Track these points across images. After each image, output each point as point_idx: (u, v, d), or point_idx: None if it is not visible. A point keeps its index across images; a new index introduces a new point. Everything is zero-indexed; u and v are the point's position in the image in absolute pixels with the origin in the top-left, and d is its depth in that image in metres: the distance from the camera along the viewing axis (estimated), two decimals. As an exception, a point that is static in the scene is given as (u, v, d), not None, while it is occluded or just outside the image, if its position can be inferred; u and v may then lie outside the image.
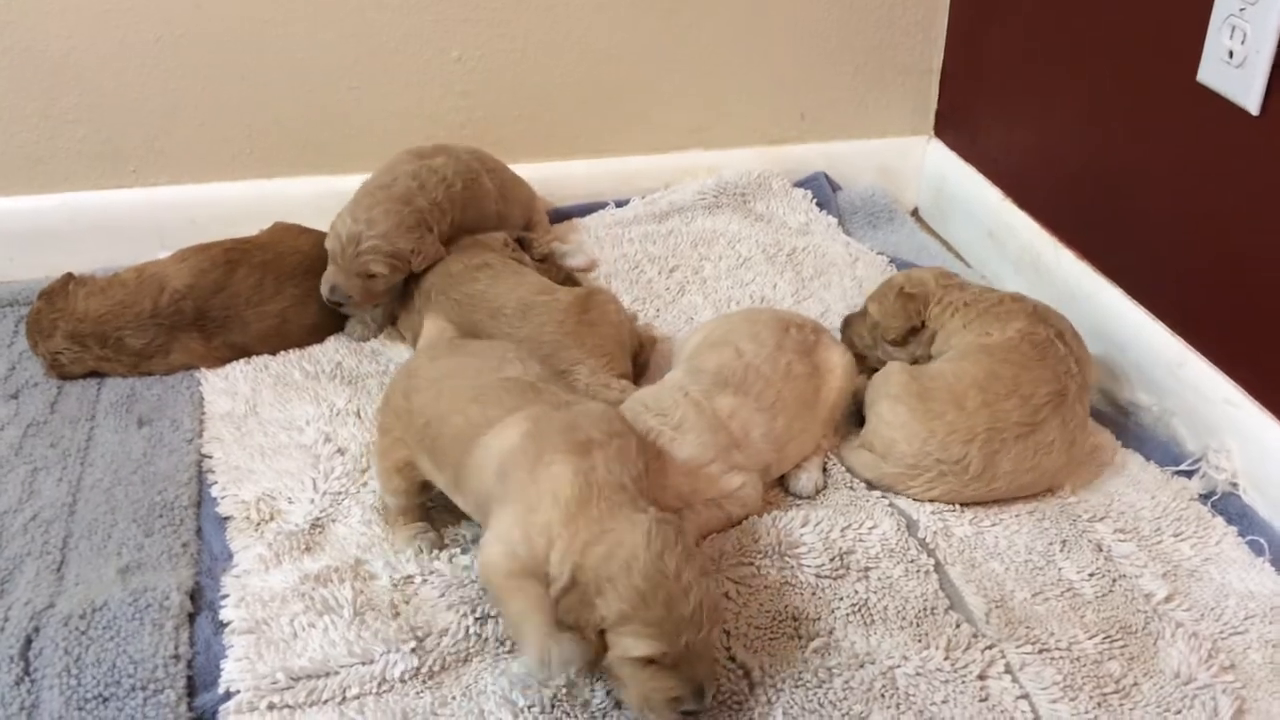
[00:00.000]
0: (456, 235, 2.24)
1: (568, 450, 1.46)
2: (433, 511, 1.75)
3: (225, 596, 1.61)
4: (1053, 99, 2.39)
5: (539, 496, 1.43)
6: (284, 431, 1.94)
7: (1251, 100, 1.80)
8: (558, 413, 1.54)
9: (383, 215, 2.09)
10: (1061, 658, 1.56)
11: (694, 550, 1.38)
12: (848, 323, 2.16)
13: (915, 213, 2.94)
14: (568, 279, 2.32)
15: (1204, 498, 1.87)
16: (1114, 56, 2.16)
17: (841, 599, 1.63)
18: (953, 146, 2.81)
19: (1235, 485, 1.88)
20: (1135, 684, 1.52)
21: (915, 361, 2.02)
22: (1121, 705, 1.49)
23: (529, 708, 1.44)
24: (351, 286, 2.10)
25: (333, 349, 2.19)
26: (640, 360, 2.14)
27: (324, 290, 2.10)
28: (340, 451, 1.89)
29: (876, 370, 1.99)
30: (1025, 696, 1.50)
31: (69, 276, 2.13)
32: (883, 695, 1.49)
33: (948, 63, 2.80)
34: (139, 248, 2.34)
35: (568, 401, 1.60)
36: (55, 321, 2.08)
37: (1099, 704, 1.49)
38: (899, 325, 2.03)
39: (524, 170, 2.59)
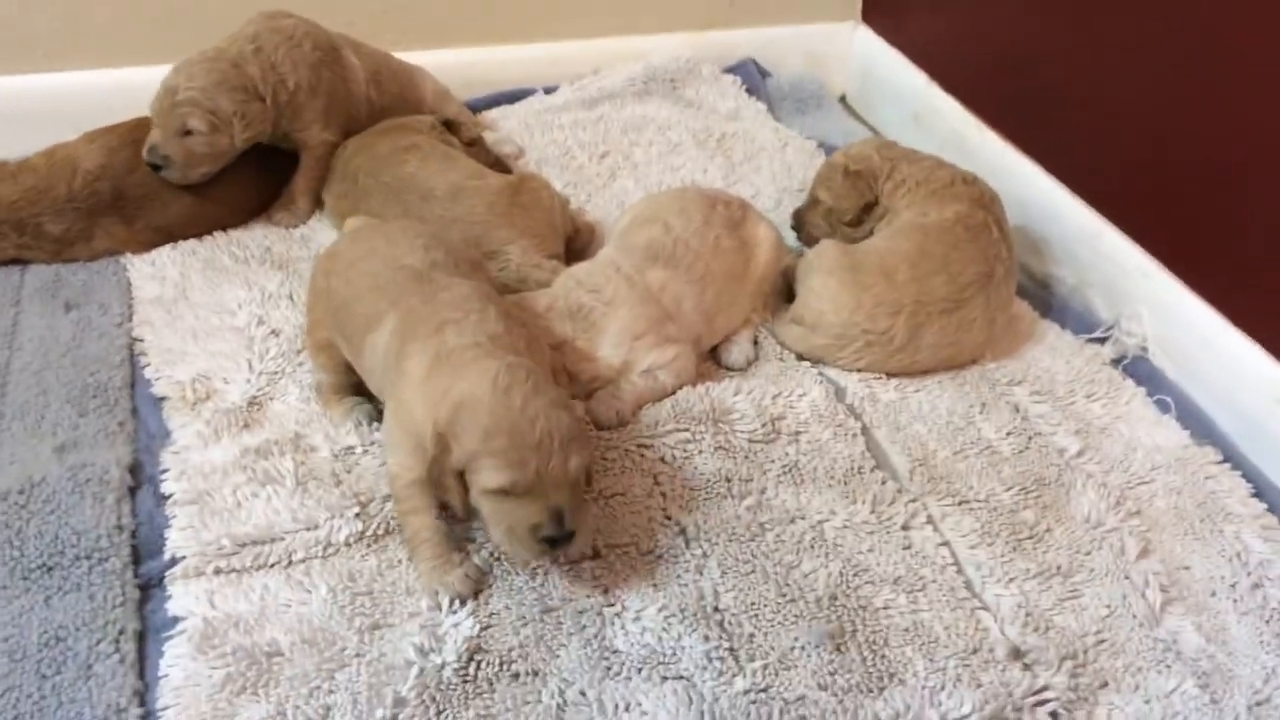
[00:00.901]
0: (327, 120, 2.17)
1: (423, 336, 1.49)
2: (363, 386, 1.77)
3: (165, 471, 1.62)
4: (977, -19, 2.42)
5: (405, 387, 1.47)
6: (215, 315, 1.93)
7: (1168, -28, 1.85)
8: (423, 305, 1.55)
9: (204, 72, 2.04)
10: (980, 509, 1.64)
11: (545, 385, 1.41)
12: (800, 217, 2.17)
13: (843, 99, 2.96)
14: (496, 164, 2.31)
15: (1115, 362, 1.96)
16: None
17: (773, 461, 1.69)
18: (879, 32, 2.83)
19: (1145, 350, 1.97)
20: (1048, 530, 1.61)
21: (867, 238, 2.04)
22: (1035, 549, 1.58)
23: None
24: (170, 145, 2.03)
25: (261, 234, 2.17)
26: (577, 246, 2.15)
27: (144, 151, 2.04)
28: (275, 333, 1.88)
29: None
30: (945, 544, 1.58)
31: None
32: (812, 546, 1.56)
33: (874, -54, 2.81)
34: (54, 135, 2.26)
35: (445, 287, 1.59)
36: None
37: (1014, 548, 1.58)
38: (852, 205, 2.05)
39: (450, 56, 2.56)
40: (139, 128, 2.09)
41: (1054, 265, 2.18)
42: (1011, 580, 1.53)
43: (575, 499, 1.39)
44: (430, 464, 1.40)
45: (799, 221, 2.18)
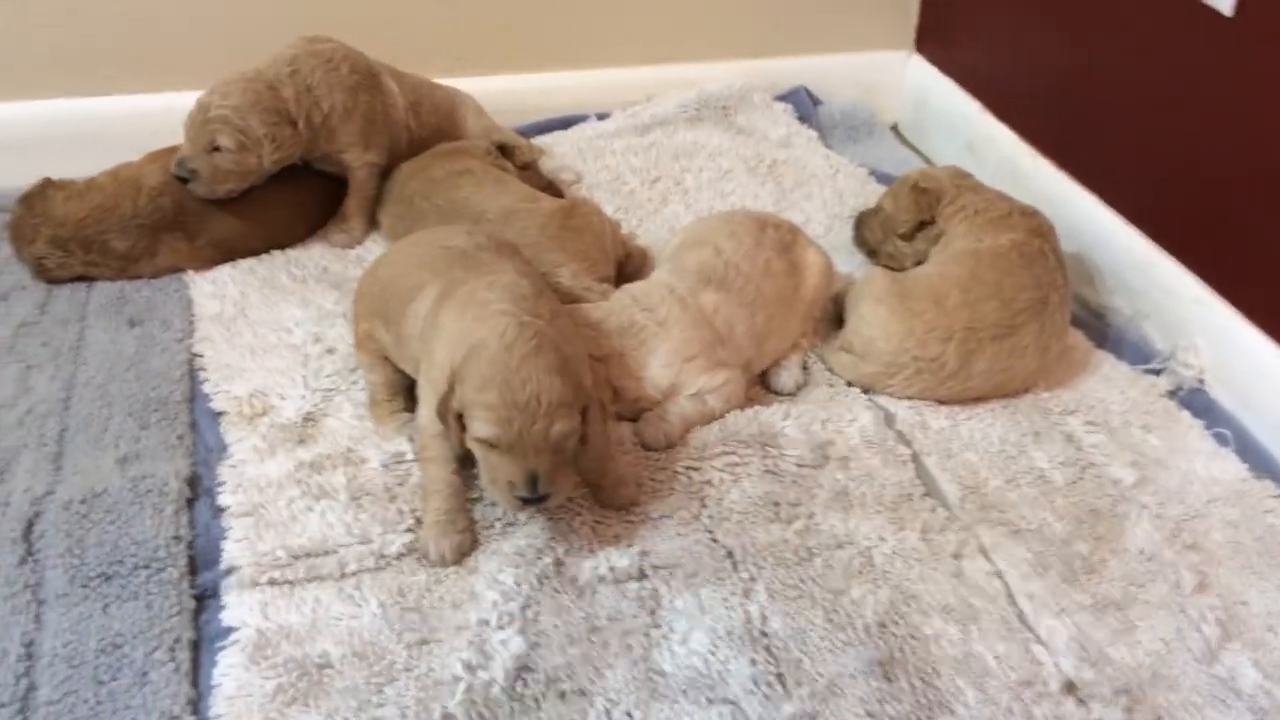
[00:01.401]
0: (366, 142, 2.20)
1: (461, 296, 1.55)
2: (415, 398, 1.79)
3: (222, 484, 1.64)
4: (1032, 10, 2.41)
5: (437, 341, 1.53)
6: (273, 332, 1.97)
7: (1224, 1, 1.83)
8: (465, 273, 1.61)
9: (238, 91, 2.07)
10: (1032, 539, 1.62)
11: (548, 349, 1.44)
12: (860, 219, 2.23)
13: (895, 127, 2.96)
14: (549, 188, 2.34)
15: (1172, 393, 1.94)
16: (1093, -36, 2.19)
17: (821, 486, 1.69)
18: (933, 60, 2.83)
19: (1202, 381, 1.94)
20: (1103, 561, 1.59)
21: (919, 260, 2.07)
22: (1089, 581, 1.56)
23: (518, 585, 1.49)
24: (198, 160, 2.06)
25: (318, 254, 2.21)
26: (628, 270, 2.16)
27: (173, 164, 2.07)
28: (330, 351, 1.91)
29: (889, 266, 2.07)
30: (997, 574, 1.57)
31: (47, 181, 2.13)
32: (861, 573, 1.55)
33: (929, -24, 2.81)
34: (117, 156, 2.32)
35: (489, 265, 1.66)
36: (37, 227, 2.08)
37: (1067, 580, 1.56)
38: (909, 219, 2.09)
39: (504, 82, 2.59)
40: None
41: (1109, 295, 2.16)
42: (1065, 612, 1.51)
43: (555, 463, 1.45)
44: (439, 400, 1.47)
45: (859, 222, 2.23)
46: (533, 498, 1.45)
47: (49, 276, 2.10)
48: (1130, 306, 2.11)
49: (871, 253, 2.22)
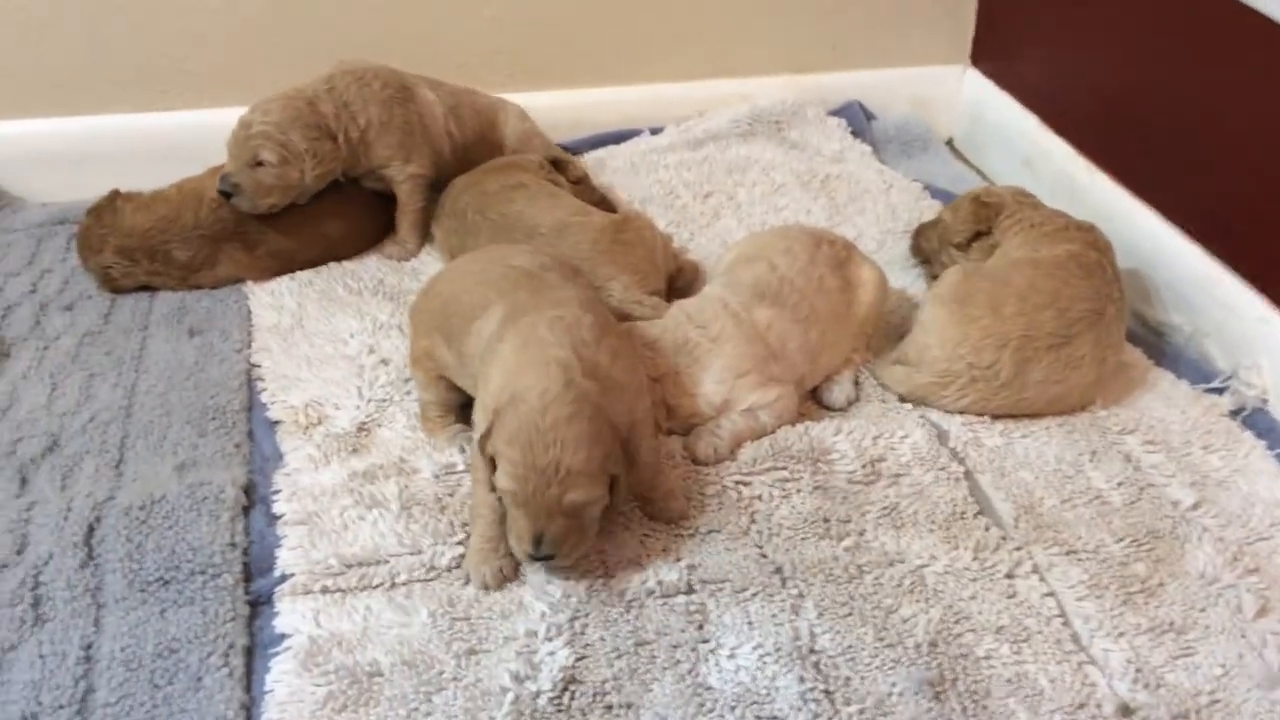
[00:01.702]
0: (407, 154, 2.23)
1: (524, 325, 1.55)
2: (467, 412, 1.80)
3: (277, 492, 1.67)
4: (1090, 23, 2.39)
5: (494, 365, 1.54)
6: (329, 343, 1.99)
7: (1291, 14, 1.80)
8: (530, 297, 1.62)
9: (279, 108, 2.11)
10: (1088, 559, 1.59)
11: (588, 417, 1.43)
12: (919, 229, 2.24)
13: (950, 142, 2.94)
14: (602, 203, 2.35)
15: (1234, 414, 1.90)
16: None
17: (872, 503, 1.67)
18: (990, 75, 2.81)
19: (1265, 401, 1.90)
20: (1161, 584, 1.56)
21: None
22: (1147, 603, 1.53)
23: (566, 597, 1.49)
24: (241, 175, 2.09)
25: (375, 266, 2.24)
26: (679, 284, 2.16)
27: (217, 179, 2.11)
28: (384, 362, 1.94)
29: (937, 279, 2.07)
30: (1052, 594, 1.54)
31: (115, 193, 2.19)
32: (912, 591, 1.53)
33: (985, -10, 2.79)
34: (182, 169, 2.38)
35: (554, 287, 1.66)
36: (104, 237, 2.14)
37: (1124, 601, 1.53)
38: (965, 228, 2.09)
39: (558, 98, 2.61)
40: None
41: (1168, 312, 2.12)
42: (1121, 635, 1.48)
43: (568, 527, 1.44)
44: (480, 437, 1.48)
45: (917, 232, 2.25)
46: (536, 555, 1.45)
47: (113, 286, 2.15)
48: (1190, 324, 2.07)
49: (925, 262, 2.22)
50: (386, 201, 2.31)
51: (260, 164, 2.09)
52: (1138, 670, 1.43)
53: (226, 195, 2.11)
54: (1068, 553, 1.60)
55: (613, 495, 1.49)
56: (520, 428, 1.42)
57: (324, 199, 2.19)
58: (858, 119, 2.83)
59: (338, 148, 2.15)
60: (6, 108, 2.48)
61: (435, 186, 2.31)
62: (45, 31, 2.42)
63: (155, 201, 2.17)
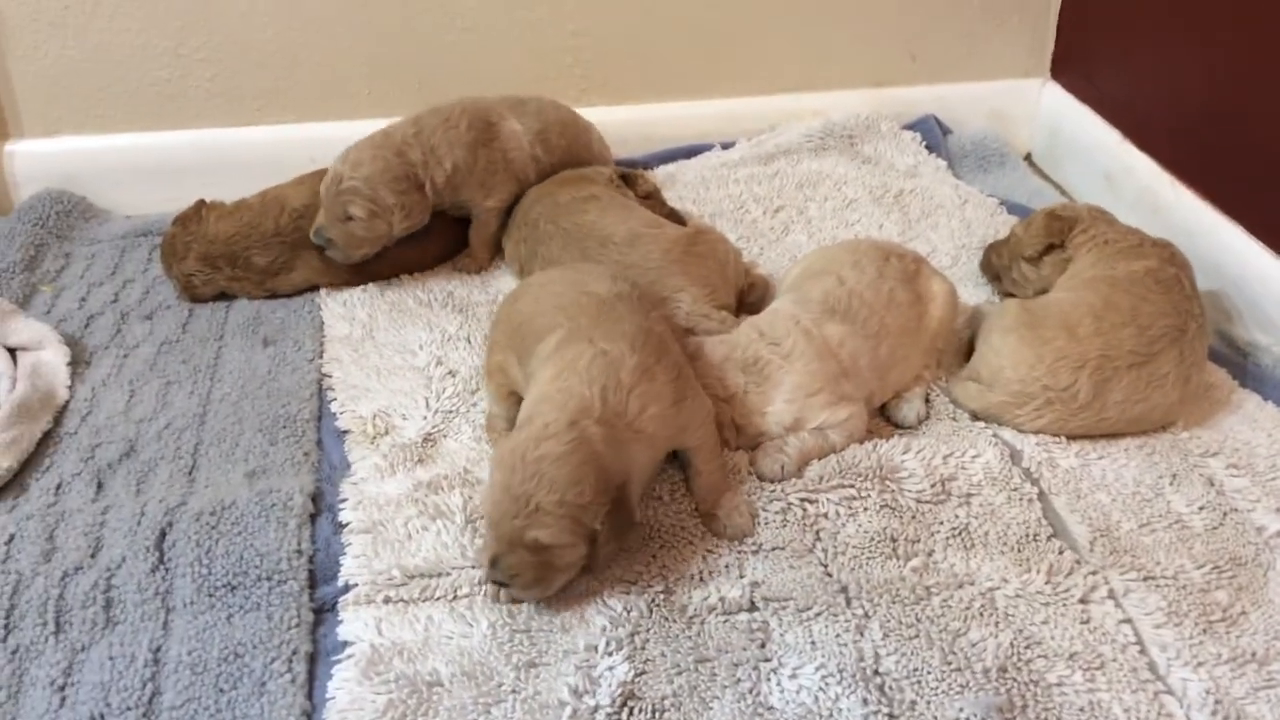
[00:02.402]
0: (488, 191, 2.25)
1: (570, 353, 1.56)
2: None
3: (344, 501, 1.68)
4: (1175, 36, 2.32)
5: (532, 392, 1.56)
6: (398, 354, 2.01)
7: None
8: (590, 325, 1.61)
9: (369, 160, 2.13)
10: (1167, 585, 1.54)
11: (579, 462, 1.42)
12: (990, 247, 2.21)
13: (1028, 157, 2.89)
14: (672, 217, 2.34)
15: (1324, 437, 1.82)
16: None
17: (941, 523, 1.64)
18: (1070, 88, 2.75)
19: (1358, 425, 1.82)
20: (1243, 612, 1.50)
21: (1043, 288, 2.03)
22: (1228, 632, 1.47)
23: (627, 611, 1.48)
24: (333, 229, 2.13)
25: (445, 279, 2.26)
26: (750, 300, 2.14)
27: (311, 232, 2.15)
28: (451, 374, 1.95)
29: (1010, 294, 2.07)
30: (1128, 621, 1.49)
31: (201, 203, 2.25)
32: (981, 614, 1.49)
33: (1065, 3, 2.74)
34: (263, 184, 2.43)
35: (618, 318, 1.64)
36: (189, 244, 2.19)
37: (1204, 630, 1.47)
38: (1037, 242, 2.05)
39: (630, 112, 2.62)
40: None
41: (1255, 331, 2.05)
42: (1200, 664, 1.43)
43: (532, 563, 1.43)
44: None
45: (989, 248, 2.21)
46: (492, 578, 1.46)
47: (194, 294, 2.21)
48: (1278, 344, 2.00)
49: (996, 278, 2.18)
50: (458, 220, 2.34)
51: (350, 219, 2.12)
52: (1217, 702, 1.38)
53: (320, 248, 2.16)
54: (1145, 578, 1.55)
55: (592, 550, 1.46)
56: (511, 450, 1.44)
57: None
58: (933, 133, 2.79)
59: (425, 198, 2.18)
60: (93, 123, 2.56)
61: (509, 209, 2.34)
62: (133, 49, 2.49)
63: (239, 209, 2.22)
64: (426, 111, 2.25)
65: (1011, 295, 2.13)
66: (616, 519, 1.46)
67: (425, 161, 2.17)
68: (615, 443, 1.47)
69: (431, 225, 2.28)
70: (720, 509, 1.61)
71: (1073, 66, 2.75)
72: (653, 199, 2.35)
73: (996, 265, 2.16)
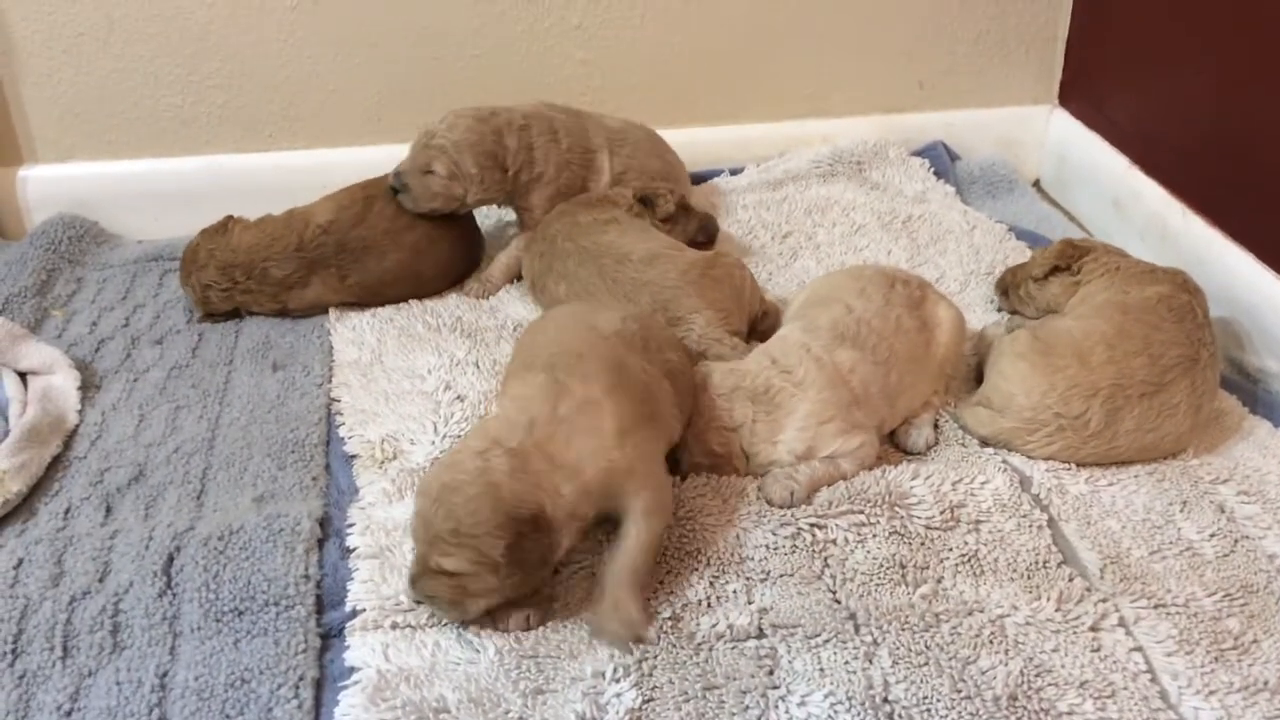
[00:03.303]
0: (550, 206, 2.29)
1: (525, 381, 1.59)
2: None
3: (351, 525, 1.68)
4: (1183, 63, 2.33)
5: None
6: (407, 379, 2.02)
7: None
8: (572, 361, 1.60)
9: (465, 128, 2.20)
10: (1178, 613, 1.53)
11: (474, 492, 1.42)
12: (1009, 269, 2.23)
13: (1037, 183, 2.89)
14: (692, 242, 2.33)
15: (1336, 464, 1.81)
16: (1246, 15, 2.10)
17: (950, 550, 1.63)
18: (1078, 115, 2.76)
19: (1370, 452, 1.81)
20: (1255, 641, 1.49)
21: (1048, 308, 2.06)
22: (1240, 661, 1.46)
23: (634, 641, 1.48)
24: (411, 176, 2.20)
25: (454, 304, 2.26)
26: (763, 327, 2.14)
27: (391, 174, 2.22)
28: (460, 399, 1.95)
29: (1015, 311, 2.11)
30: (1139, 649, 1.48)
31: (229, 218, 2.27)
32: (991, 642, 1.48)
33: (1074, 29, 2.75)
34: (274, 210, 2.44)
35: (599, 355, 1.63)
36: (211, 253, 2.21)
37: (1216, 659, 1.46)
38: (1047, 262, 2.07)
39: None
40: (367, 187, 2.26)
41: (1266, 358, 2.04)
42: (1212, 693, 1.42)
43: (439, 584, 1.44)
44: None
45: (1006, 270, 2.23)
46: (411, 594, 1.49)
47: (207, 307, 2.22)
48: (1289, 371, 2.00)
49: (1004, 293, 2.20)
50: (475, 246, 2.38)
51: (430, 173, 2.19)
52: (1231, 732, 1.37)
53: (395, 190, 2.22)
54: (1156, 606, 1.54)
55: (498, 581, 1.44)
56: (427, 477, 1.48)
57: (419, 223, 2.24)
58: (941, 160, 2.80)
59: (504, 180, 2.25)
60: (105, 148, 2.58)
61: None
62: (145, 75, 2.51)
63: (264, 222, 2.25)
64: (537, 113, 2.30)
65: (1015, 313, 2.16)
66: (518, 552, 1.42)
67: (518, 153, 2.25)
68: (527, 473, 1.45)
69: (448, 249, 2.30)
70: (604, 603, 1.50)
71: (1081, 93, 2.75)
72: (671, 224, 2.33)
73: (1007, 282, 2.18)
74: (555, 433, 1.49)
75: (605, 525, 1.58)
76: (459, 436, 1.86)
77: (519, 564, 1.43)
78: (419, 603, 1.50)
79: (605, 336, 1.68)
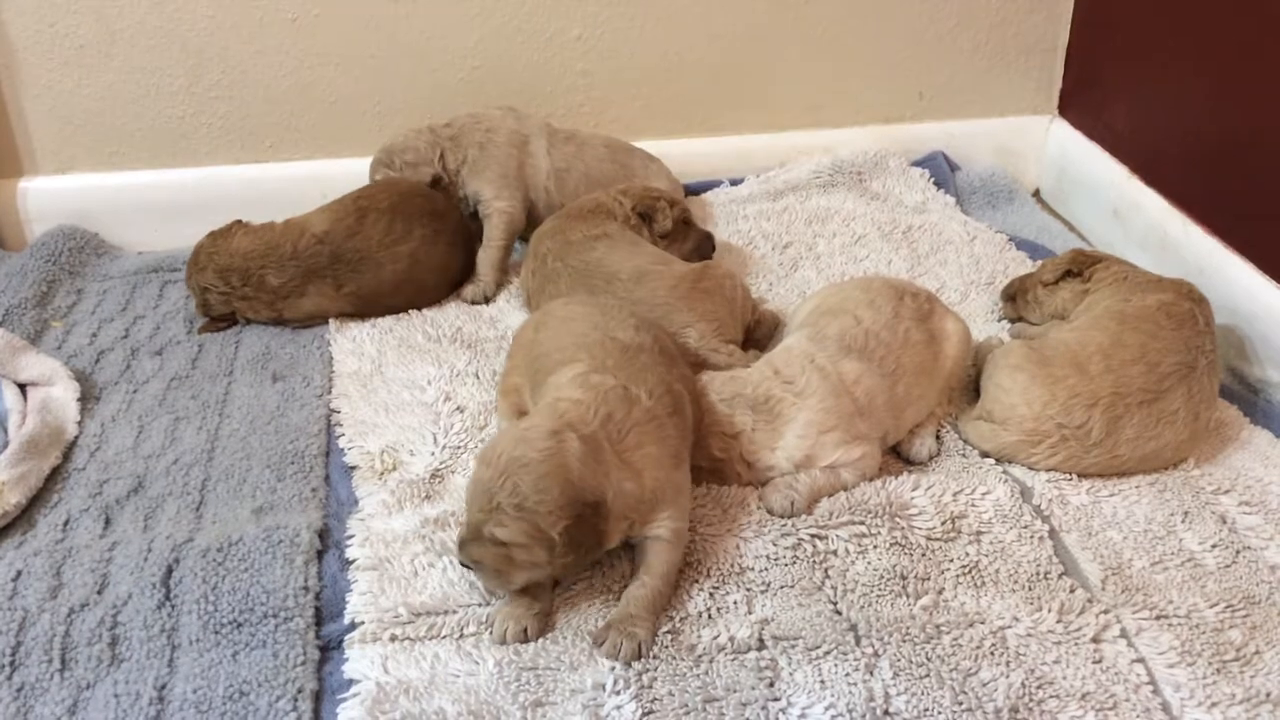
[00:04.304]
0: (499, 189, 2.38)
1: (588, 379, 1.60)
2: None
3: (351, 537, 1.68)
4: (1184, 73, 2.33)
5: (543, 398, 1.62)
6: (407, 390, 2.01)
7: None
8: (617, 369, 1.63)
9: (404, 135, 2.41)
10: (1180, 624, 1.52)
11: (548, 469, 1.44)
12: (1016, 277, 2.24)
13: (1037, 193, 2.89)
14: (691, 255, 2.31)
15: (1338, 474, 1.81)
16: (1246, 26, 2.10)
17: (952, 561, 1.63)
18: (1077, 125, 2.76)
19: (1372, 462, 1.81)
20: (1257, 652, 1.48)
21: (1055, 314, 2.08)
22: (1242, 672, 1.46)
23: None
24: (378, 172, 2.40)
25: (454, 315, 2.26)
26: (758, 335, 2.14)
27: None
28: (459, 409, 1.95)
29: (1020, 317, 2.14)
30: (1141, 660, 1.47)
31: (237, 222, 2.28)
32: (992, 653, 1.48)
33: (1074, 39, 2.75)
34: (273, 217, 2.45)
35: (643, 366, 1.66)
36: (212, 255, 2.22)
37: (1218, 670, 1.46)
38: (1059, 267, 2.09)
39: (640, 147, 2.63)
40: (360, 198, 2.27)
41: (1267, 368, 2.04)
42: (1215, 705, 1.41)
43: (486, 552, 1.46)
44: None
45: (1011, 280, 2.25)
46: (460, 557, 1.50)
47: (207, 309, 2.23)
48: (1291, 381, 1.99)
49: (1011, 299, 2.21)
50: (470, 250, 2.38)
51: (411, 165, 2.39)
52: (1233, 744, 1.36)
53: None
54: (1158, 617, 1.54)
55: (550, 558, 1.46)
56: (493, 446, 1.48)
57: (414, 231, 2.24)
58: (941, 170, 2.80)
59: (444, 171, 2.41)
60: (106, 160, 2.58)
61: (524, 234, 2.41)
62: (146, 87, 2.52)
63: (263, 229, 2.26)
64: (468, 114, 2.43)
65: (1019, 319, 2.18)
66: (576, 534, 1.45)
67: (454, 140, 2.43)
68: (596, 461, 1.48)
69: (443, 259, 2.30)
70: (615, 619, 1.51)
71: (1080, 103, 2.76)
72: (670, 239, 2.32)
73: (1015, 287, 2.19)
74: (628, 434, 1.54)
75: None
76: (459, 448, 1.86)
77: (574, 545, 1.46)
78: (465, 565, 1.51)
79: (631, 346, 1.71)
